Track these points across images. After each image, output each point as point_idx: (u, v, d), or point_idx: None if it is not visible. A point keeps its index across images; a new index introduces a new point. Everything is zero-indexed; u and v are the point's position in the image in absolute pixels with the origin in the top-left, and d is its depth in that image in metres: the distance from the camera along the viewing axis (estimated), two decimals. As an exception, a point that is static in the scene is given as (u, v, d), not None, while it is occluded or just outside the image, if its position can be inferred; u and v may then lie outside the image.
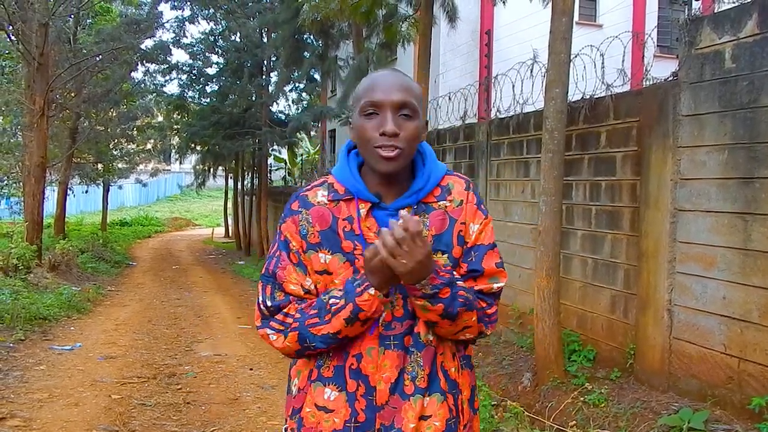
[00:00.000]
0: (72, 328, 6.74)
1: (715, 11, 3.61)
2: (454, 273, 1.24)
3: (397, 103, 1.21)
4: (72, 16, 12.71)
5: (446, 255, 1.25)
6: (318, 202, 1.27)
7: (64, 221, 14.66)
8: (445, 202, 1.28)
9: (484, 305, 1.29)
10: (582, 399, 3.75)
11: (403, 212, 1.15)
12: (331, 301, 1.21)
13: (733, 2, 3.43)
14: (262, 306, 1.28)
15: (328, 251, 1.24)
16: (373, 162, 1.22)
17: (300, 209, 1.27)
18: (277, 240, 1.30)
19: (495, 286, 1.30)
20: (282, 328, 1.25)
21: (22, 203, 11.47)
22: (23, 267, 8.38)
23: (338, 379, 1.24)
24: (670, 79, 3.87)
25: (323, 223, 1.25)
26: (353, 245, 1.23)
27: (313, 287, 1.27)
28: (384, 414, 1.22)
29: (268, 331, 1.27)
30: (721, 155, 3.40)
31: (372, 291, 1.17)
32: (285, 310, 1.26)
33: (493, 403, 3.99)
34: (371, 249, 1.15)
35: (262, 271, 1.31)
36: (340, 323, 1.19)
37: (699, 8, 3.76)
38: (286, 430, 1.33)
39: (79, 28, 13.84)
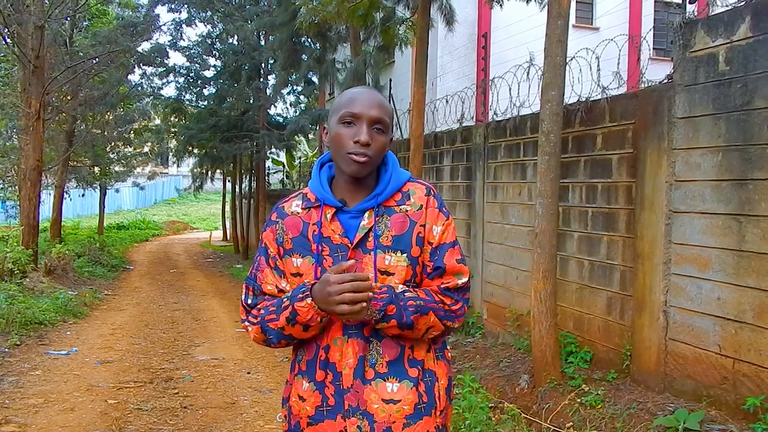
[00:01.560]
0: (68, 332, 6.72)
1: (709, 14, 3.63)
2: (394, 288, 1.34)
3: (373, 118, 1.36)
4: (68, 18, 12.71)
5: (405, 254, 1.38)
6: (292, 212, 1.44)
7: (60, 225, 14.61)
8: (405, 206, 1.41)
9: (449, 302, 1.40)
10: (579, 400, 3.76)
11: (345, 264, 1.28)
12: (284, 300, 1.36)
13: (727, 6, 3.45)
14: (243, 303, 1.48)
15: (300, 255, 1.40)
16: (344, 165, 1.37)
17: (277, 219, 1.45)
18: (259, 247, 1.48)
19: (459, 282, 1.41)
20: (254, 321, 1.43)
21: (18, 207, 11.44)
22: (19, 271, 8.35)
23: (309, 372, 1.40)
24: (665, 81, 3.88)
25: (295, 231, 1.42)
26: (320, 247, 1.38)
27: (288, 288, 1.42)
28: (350, 396, 1.35)
29: (247, 323, 1.46)
30: (715, 157, 3.42)
31: (309, 300, 1.30)
32: (258, 306, 1.44)
33: (490, 405, 3.98)
34: (334, 274, 1.26)
35: (248, 274, 1.50)
36: (283, 321, 1.35)
37: (694, 11, 3.78)
38: (280, 417, 1.52)
39: (75, 30, 13.84)
